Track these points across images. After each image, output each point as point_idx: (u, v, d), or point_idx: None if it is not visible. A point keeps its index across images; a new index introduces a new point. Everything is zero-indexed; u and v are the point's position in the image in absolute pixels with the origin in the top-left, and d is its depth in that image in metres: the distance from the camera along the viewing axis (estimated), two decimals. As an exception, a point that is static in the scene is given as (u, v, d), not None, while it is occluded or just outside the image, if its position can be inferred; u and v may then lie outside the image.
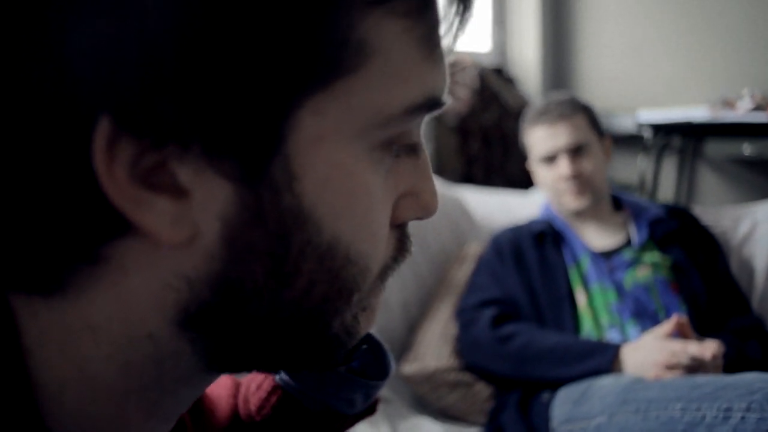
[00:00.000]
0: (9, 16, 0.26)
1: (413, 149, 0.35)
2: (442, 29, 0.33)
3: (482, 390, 1.38)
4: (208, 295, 0.30)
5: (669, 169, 2.74)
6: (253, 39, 0.27)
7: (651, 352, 1.18)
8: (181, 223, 0.29)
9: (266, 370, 0.35)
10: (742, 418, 0.89)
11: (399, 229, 0.37)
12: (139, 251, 0.29)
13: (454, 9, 0.33)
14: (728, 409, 0.91)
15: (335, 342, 0.35)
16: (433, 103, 0.33)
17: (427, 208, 0.37)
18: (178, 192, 0.28)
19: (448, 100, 0.35)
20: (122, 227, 0.28)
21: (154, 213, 0.28)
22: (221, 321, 0.31)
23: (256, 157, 0.28)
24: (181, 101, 0.27)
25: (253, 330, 0.32)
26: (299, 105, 0.29)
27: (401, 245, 0.37)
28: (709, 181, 2.75)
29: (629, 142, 2.73)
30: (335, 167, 0.30)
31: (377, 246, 0.34)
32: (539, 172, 1.49)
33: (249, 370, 0.35)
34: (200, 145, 0.28)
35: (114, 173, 0.27)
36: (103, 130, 0.26)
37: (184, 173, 0.28)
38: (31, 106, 0.26)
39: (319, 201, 0.30)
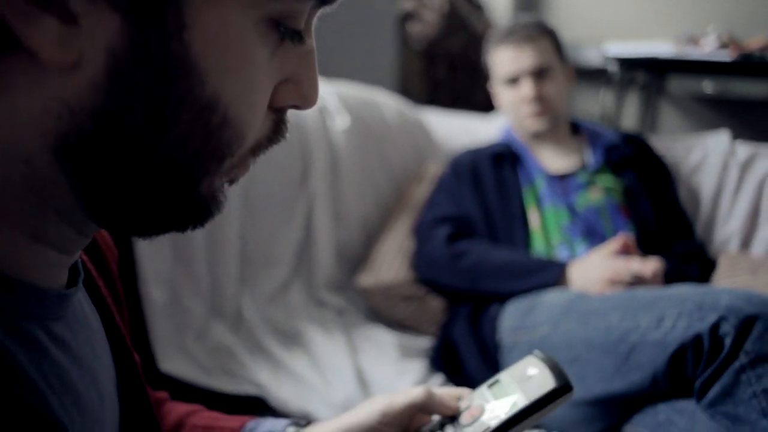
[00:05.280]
0: None
1: (300, 36, 0.37)
2: None
3: (435, 303, 1.43)
4: (89, 126, 0.32)
5: (631, 104, 2.78)
6: None
7: (596, 268, 1.23)
8: (67, 46, 0.30)
9: (136, 229, 0.37)
10: (673, 325, 0.94)
11: (277, 112, 0.39)
12: (24, 70, 0.30)
13: None
14: (661, 317, 0.97)
15: (200, 204, 0.37)
16: None
17: (305, 97, 0.39)
18: (67, 16, 0.29)
19: None
20: (10, 42, 0.29)
21: (40, 30, 0.29)
22: (98, 155, 0.32)
23: None
24: None
25: (127, 170, 0.33)
26: None
27: (277, 128, 0.39)
28: (669, 117, 2.80)
29: (594, 75, 2.75)
30: (224, 27, 0.32)
31: (254, 115, 0.36)
32: (501, 93, 1.50)
33: (121, 226, 0.36)
34: None
35: None
36: None
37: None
38: None
39: (205, 55, 0.32)
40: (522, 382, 0.54)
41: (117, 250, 0.54)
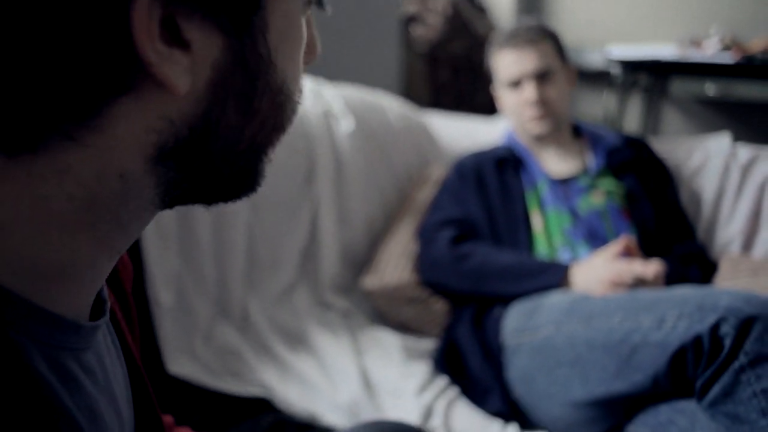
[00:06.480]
0: None
1: (323, 3, 0.41)
2: None
3: (438, 305, 1.45)
4: (186, 132, 0.34)
5: (634, 107, 2.79)
6: None
7: (598, 270, 1.25)
8: (190, 72, 0.32)
9: (203, 201, 0.39)
10: (673, 325, 0.96)
11: None
12: (130, 107, 0.32)
13: None
14: (662, 318, 0.98)
15: (261, 174, 0.40)
16: None
17: (316, 53, 0.43)
18: (184, 45, 0.32)
19: None
20: (123, 87, 0.31)
21: (172, 64, 0.31)
22: (191, 154, 0.35)
23: (244, 11, 0.33)
24: None
25: (213, 161, 0.36)
26: None
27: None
28: (672, 119, 2.81)
29: (596, 78, 2.76)
30: (288, 18, 0.36)
31: (299, 83, 0.40)
32: (504, 96, 1.51)
33: (190, 203, 0.39)
34: (203, 4, 0.31)
35: (151, 30, 0.30)
36: None
37: (188, 28, 0.31)
38: None
39: (278, 47, 0.36)
40: None
41: (132, 266, 0.55)
